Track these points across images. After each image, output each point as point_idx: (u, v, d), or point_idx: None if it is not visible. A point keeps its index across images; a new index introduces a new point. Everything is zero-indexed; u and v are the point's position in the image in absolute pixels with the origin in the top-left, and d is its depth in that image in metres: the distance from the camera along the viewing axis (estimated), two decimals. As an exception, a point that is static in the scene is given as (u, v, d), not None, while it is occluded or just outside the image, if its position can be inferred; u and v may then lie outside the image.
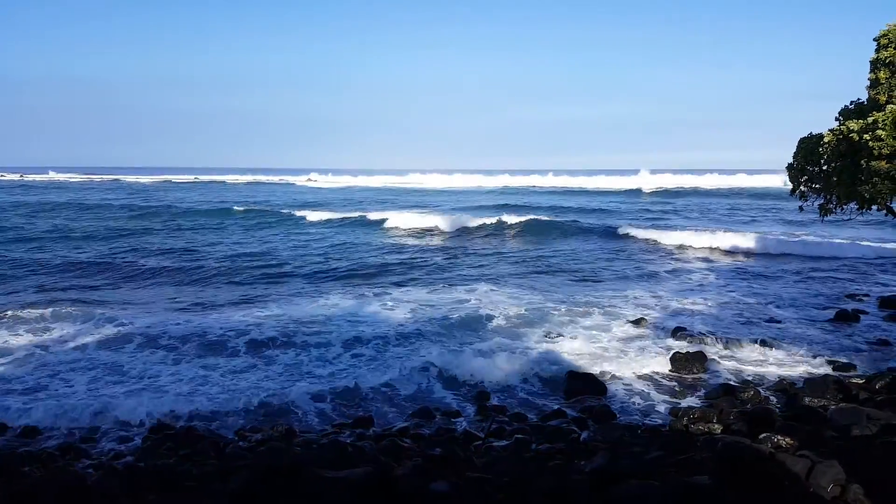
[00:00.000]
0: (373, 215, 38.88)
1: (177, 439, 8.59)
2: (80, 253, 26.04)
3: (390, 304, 16.86)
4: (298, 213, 41.00)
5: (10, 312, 15.40)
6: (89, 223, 36.61)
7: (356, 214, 40.03)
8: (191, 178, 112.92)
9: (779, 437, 7.48)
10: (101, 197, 58.27)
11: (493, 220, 34.93)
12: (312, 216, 39.68)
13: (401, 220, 36.56)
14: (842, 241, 27.36)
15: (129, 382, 11.20)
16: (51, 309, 15.57)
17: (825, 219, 14.17)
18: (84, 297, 17.72)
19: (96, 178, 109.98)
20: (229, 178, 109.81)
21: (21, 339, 13.46)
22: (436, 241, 31.18)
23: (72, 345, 13.11)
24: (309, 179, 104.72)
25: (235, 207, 44.45)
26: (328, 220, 38.64)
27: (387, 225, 36.19)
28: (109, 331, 14.03)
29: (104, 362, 12.11)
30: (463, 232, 33.51)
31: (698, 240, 28.25)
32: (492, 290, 18.74)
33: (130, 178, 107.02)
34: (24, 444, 8.65)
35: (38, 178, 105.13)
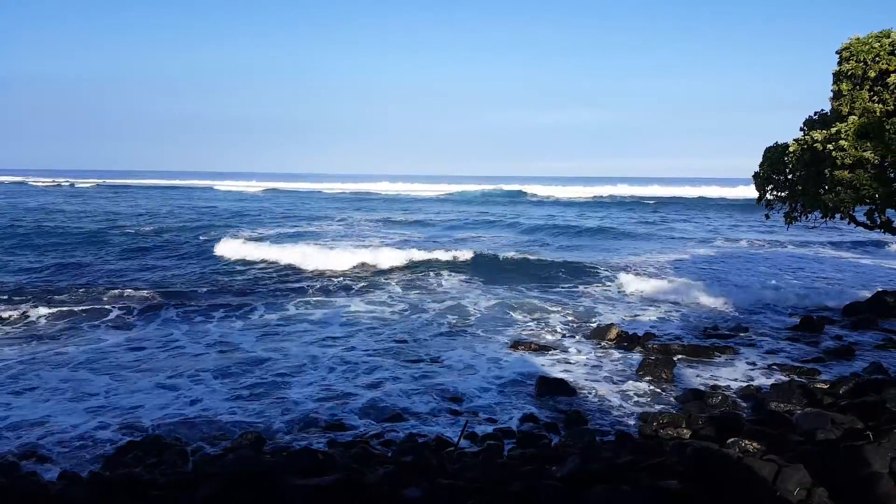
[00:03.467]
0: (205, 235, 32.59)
1: (144, 448, 8.44)
2: None
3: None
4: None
5: None
6: None
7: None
8: (148, 181, 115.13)
9: (746, 442, 7.59)
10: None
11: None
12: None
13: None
14: (807, 251, 28.00)
15: None
16: None
17: (789, 227, 14.49)
18: None
19: (7, 179, 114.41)
20: (183, 182, 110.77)
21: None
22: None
23: None
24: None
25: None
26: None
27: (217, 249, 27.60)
28: None
29: None
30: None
31: (667, 255, 28.59)
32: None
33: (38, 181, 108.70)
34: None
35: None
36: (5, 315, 16.02)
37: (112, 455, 8.42)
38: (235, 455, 7.71)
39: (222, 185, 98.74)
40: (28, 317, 16.04)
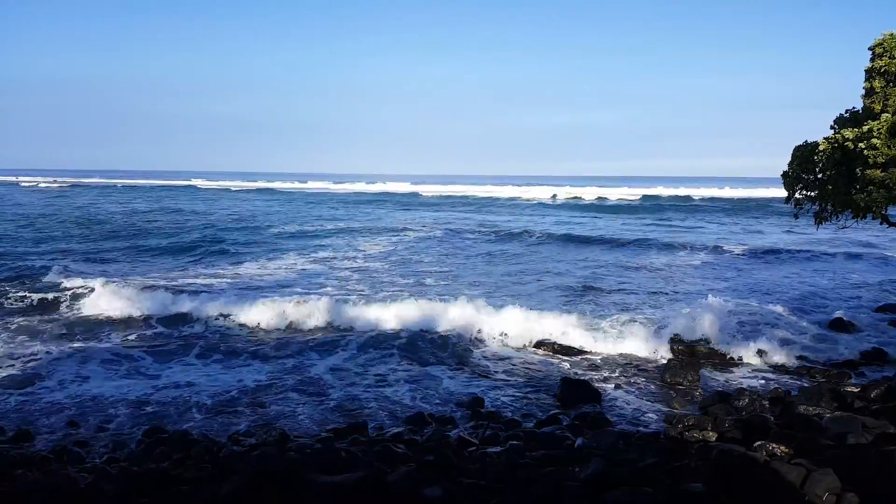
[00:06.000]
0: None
1: (170, 443, 8.55)
2: None
3: None
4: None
5: None
6: None
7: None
8: (113, 181, 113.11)
9: (773, 445, 7.47)
10: None
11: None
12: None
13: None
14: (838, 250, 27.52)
15: None
16: None
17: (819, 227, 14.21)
18: None
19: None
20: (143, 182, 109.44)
21: None
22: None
23: None
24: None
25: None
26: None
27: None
28: None
29: None
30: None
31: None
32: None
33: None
34: (17, 448, 8.60)
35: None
36: None
37: (140, 450, 8.55)
38: (260, 452, 7.80)
39: (207, 184, 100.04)
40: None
